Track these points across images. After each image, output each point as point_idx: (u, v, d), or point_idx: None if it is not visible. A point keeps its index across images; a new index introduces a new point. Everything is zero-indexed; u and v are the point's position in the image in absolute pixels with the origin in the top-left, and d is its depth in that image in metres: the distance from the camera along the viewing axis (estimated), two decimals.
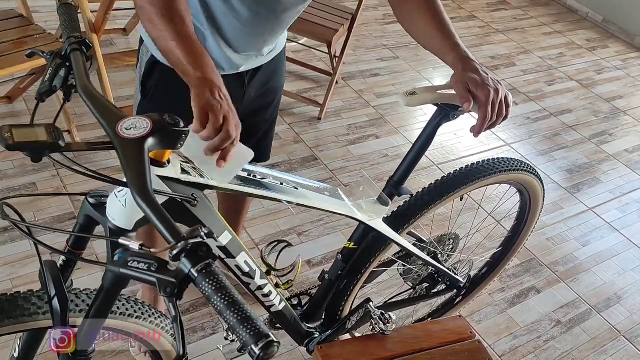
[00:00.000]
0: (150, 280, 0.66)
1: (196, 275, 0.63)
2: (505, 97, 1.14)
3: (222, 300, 0.62)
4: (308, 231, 2.23)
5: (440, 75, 3.47)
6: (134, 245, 0.69)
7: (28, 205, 2.05)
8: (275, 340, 0.61)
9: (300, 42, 3.33)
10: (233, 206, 1.77)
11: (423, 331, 1.41)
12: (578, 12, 4.78)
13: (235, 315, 0.61)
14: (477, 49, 3.89)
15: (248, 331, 0.60)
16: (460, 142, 2.94)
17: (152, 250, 0.68)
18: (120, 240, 0.71)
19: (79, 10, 2.18)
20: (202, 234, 0.65)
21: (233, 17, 1.15)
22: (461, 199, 1.45)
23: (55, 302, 0.88)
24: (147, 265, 0.67)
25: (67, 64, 0.91)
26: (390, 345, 1.34)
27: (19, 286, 1.80)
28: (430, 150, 2.89)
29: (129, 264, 0.68)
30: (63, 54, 0.92)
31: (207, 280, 0.62)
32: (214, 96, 0.86)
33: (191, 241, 0.63)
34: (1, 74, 2.05)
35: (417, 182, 2.54)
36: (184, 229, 0.66)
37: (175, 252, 0.63)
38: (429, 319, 1.85)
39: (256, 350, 0.60)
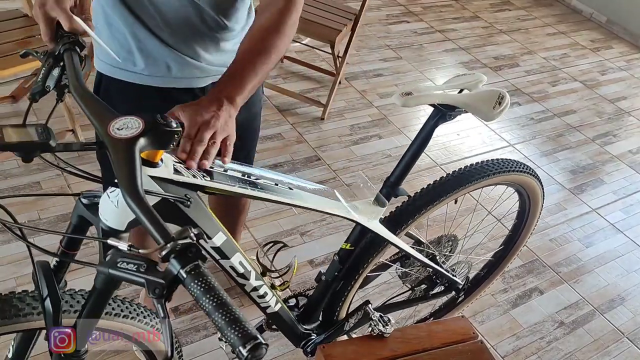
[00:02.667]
0: (139, 281, 0.65)
1: (185, 276, 0.62)
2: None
3: (211, 302, 0.61)
4: (311, 231, 2.23)
5: (443, 75, 3.47)
6: (123, 246, 0.68)
7: (33, 204, 2.06)
8: (264, 342, 0.60)
9: (304, 42, 3.34)
10: (232, 206, 1.77)
11: (426, 331, 1.41)
12: (582, 13, 4.77)
13: (224, 317, 0.60)
14: (480, 50, 3.89)
15: (236, 333, 0.60)
16: (463, 143, 2.93)
17: (140, 251, 0.67)
18: (109, 241, 0.70)
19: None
20: (192, 234, 0.64)
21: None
22: (455, 202, 1.43)
23: (48, 302, 0.87)
24: (136, 266, 0.66)
25: (61, 64, 0.90)
26: (392, 345, 1.34)
27: (23, 284, 1.81)
28: (433, 151, 2.94)
29: (118, 265, 0.67)
30: (57, 54, 0.91)
31: (196, 281, 0.62)
32: None
33: (180, 242, 0.63)
34: (6, 74, 2.06)
35: (420, 182, 2.53)
36: (175, 229, 0.65)
37: (164, 252, 0.63)
38: (431, 319, 1.85)
39: (244, 352, 0.59)
